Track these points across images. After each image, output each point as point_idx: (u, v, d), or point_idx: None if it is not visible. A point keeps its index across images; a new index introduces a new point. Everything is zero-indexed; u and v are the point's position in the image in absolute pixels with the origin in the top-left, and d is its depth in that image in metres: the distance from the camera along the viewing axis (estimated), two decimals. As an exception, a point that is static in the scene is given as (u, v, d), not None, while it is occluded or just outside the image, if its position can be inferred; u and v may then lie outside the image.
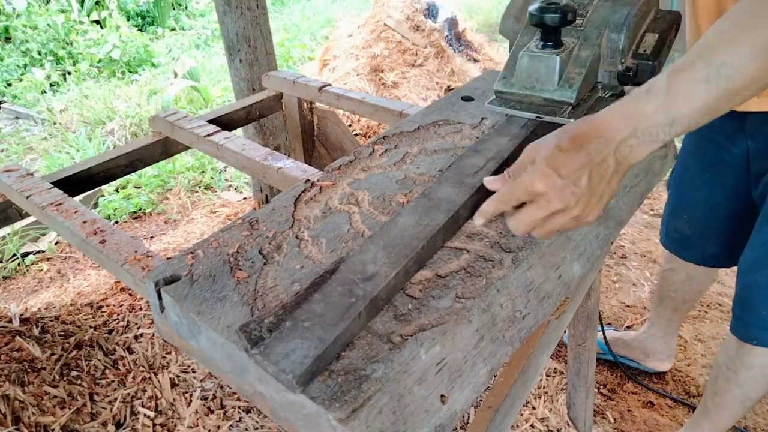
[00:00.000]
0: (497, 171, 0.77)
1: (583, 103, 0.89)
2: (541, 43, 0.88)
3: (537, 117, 0.88)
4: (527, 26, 0.94)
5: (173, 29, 5.90)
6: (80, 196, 1.50)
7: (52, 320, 1.80)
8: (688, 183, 1.40)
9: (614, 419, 1.62)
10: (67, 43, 4.92)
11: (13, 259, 2.25)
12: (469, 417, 1.51)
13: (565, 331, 1.42)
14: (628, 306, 2.04)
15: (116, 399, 1.54)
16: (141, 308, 1.89)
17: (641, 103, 0.64)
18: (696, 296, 1.59)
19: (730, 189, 1.31)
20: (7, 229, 2.25)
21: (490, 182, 0.73)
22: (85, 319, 1.83)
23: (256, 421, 1.49)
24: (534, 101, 0.90)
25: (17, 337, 1.67)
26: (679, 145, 1.51)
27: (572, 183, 0.64)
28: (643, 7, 0.93)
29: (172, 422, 1.49)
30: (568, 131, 0.66)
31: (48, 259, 2.30)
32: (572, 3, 0.87)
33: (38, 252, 2.33)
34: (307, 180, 0.85)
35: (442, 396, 0.56)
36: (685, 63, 0.63)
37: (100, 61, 4.76)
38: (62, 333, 1.74)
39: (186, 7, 6.44)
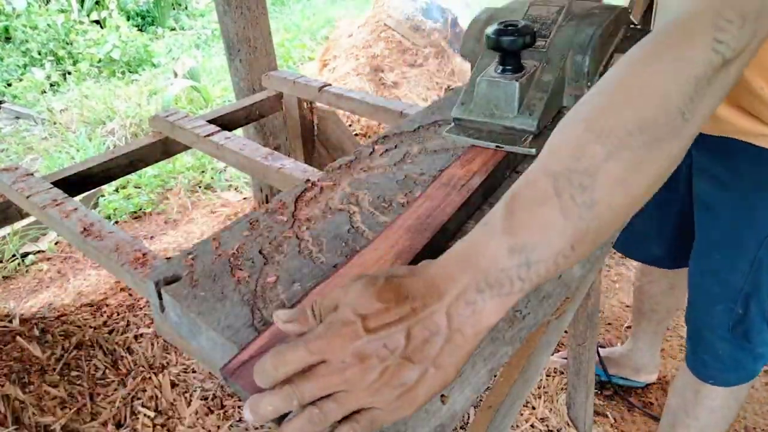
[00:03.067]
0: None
1: (547, 130, 0.82)
2: (500, 66, 0.81)
3: (497, 147, 0.80)
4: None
5: (173, 29, 5.90)
6: (80, 196, 1.50)
7: (52, 320, 1.80)
8: None
9: (614, 419, 1.62)
10: (67, 43, 4.91)
11: (13, 259, 2.25)
12: (469, 417, 1.51)
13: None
14: (628, 306, 2.04)
15: (116, 399, 1.54)
16: (141, 308, 1.90)
17: (480, 241, 0.46)
18: (680, 304, 1.51)
19: (675, 195, 1.22)
20: (7, 229, 2.25)
21: (283, 319, 0.48)
22: (85, 319, 1.83)
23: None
24: (494, 129, 0.83)
25: (17, 337, 1.67)
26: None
27: (380, 341, 0.43)
28: (610, 26, 0.88)
29: (172, 422, 1.50)
30: (393, 277, 0.46)
31: (48, 259, 2.30)
32: (532, 24, 0.81)
33: (38, 252, 2.33)
34: (308, 180, 0.85)
35: (442, 396, 0.56)
36: (527, 182, 0.47)
37: (100, 61, 4.76)
38: (62, 333, 1.74)
39: (186, 7, 6.44)
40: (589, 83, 0.84)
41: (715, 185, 1.05)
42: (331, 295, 0.47)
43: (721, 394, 1.20)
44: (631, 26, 0.97)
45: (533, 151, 0.77)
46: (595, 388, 1.72)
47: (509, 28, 0.76)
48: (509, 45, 0.76)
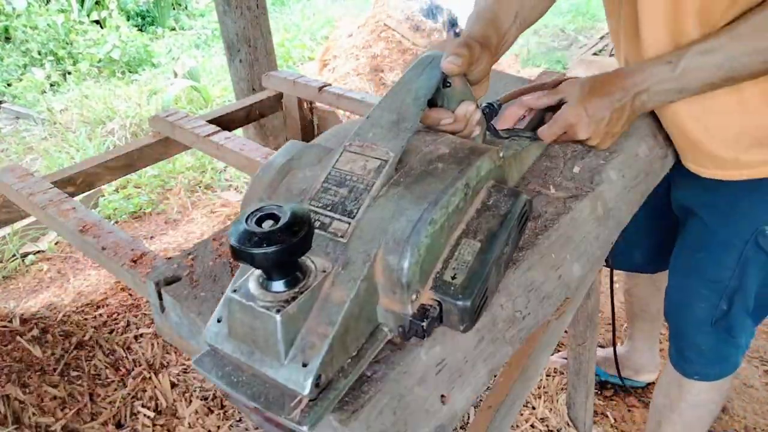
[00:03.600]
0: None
1: (341, 378, 0.50)
2: (263, 276, 0.49)
3: (255, 408, 0.49)
4: None
5: (173, 29, 5.90)
6: (80, 196, 1.51)
7: (52, 320, 1.80)
8: None
9: (614, 419, 1.62)
10: (67, 43, 4.91)
11: (13, 259, 2.25)
12: (469, 417, 1.51)
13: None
14: (628, 306, 2.04)
15: (116, 399, 1.54)
16: (141, 308, 1.90)
17: (662, 69, 0.81)
18: None
19: (653, 204, 1.19)
20: (7, 229, 2.25)
21: (533, 101, 0.90)
22: (85, 319, 1.83)
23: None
24: (258, 375, 0.49)
25: (17, 337, 1.67)
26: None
27: (596, 121, 0.83)
28: (455, 197, 0.56)
29: (172, 422, 1.50)
30: (597, 79, 0.85)
31: (48, 259, 2.30)
32: (307, 208, 0.53)
33: (38, 252, 2.33)
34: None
35: (442, 396, 0.56)
36: (707, 49, 0.79)
37: (100, 61, 4.76)
38: (62, 333, 1.74)
39: (186, 7, 6.44)
40: (414, 296, 0.52)
41: (697, 188, 1.06)
42: (559, 87, 0.88)
43: (705, 388, 1.21)
44: (501, 184, 0.63)
45: (304, 430, 0.46)
46: (595, 388, 1.72)
47: (262, 226, 0.45)
48: (265, 262, 0.45)
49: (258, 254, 0.43)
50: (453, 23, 4.11)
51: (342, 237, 0.53)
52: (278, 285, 0.48)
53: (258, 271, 0.49)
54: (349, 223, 0.54)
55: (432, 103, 0.71)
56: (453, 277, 0.54)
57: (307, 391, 0.46)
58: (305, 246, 0.46)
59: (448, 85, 0.71)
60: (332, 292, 0.50)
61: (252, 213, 0.46)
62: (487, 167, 0.61)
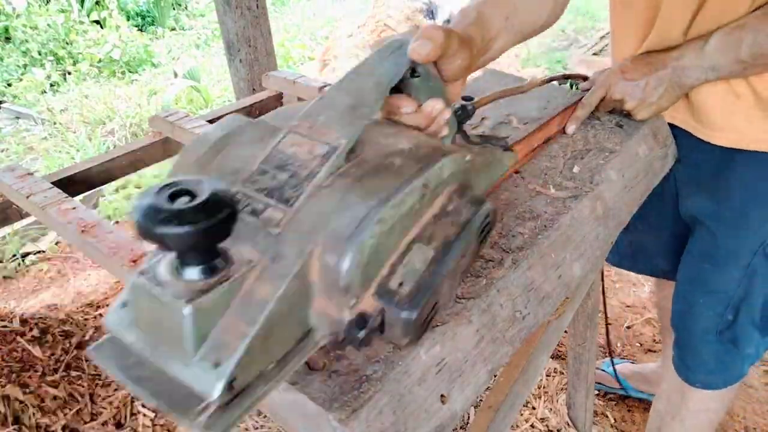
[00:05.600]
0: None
1: (261, 383, 0.43)
2: (178, 261, 0.41)
3: (158, 407, 0.42)
4: None
5: (173, 29, 5.90)
6: (80, 196, 1.50)
7: (52, 320, 1.80)
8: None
9: (614, 419, 1.62)
10: (67, 43, 4.92)
11: (13, 259, 2.25)
12: (469, 417, 1.51)
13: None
14: (628, 306, 2.04)
15: (116, 399, 1.54)
16: (141, 308, 1.89)
17: (695, 45, 0.87)
18: None
19: (665, 211, 1.20)
20: (7, 229, 2.25)
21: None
22: (86, 319, 1.83)
23: (256, 421, 1.49)
24: (160, 372, 0.43)
25: (17, 337, 1.67)
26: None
27: (633, 84, 0.89)
28: (411, 198, 0.48)
29: (172, 422, 1.50)
30: (636, 55, 0.93)
31: (48, 259, 2.30)
32: (235, 189, 0.48)
33: (38, 252, 2.33)
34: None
35: (442, 396, 0.56)
36: (735, 26, 0.84)
37: (100, 61, 4.76)
38: (62, 333, 1.74)
39: (186, 7, 6.44)
40: (353, 303, 0.45)
41: (704, 199, 1.06)
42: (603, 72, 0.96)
43: (707, 397, 1.20)
44: (464, 188, 0.55)
45: None
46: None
47: (174, 203, 0.38)
48: (171, 242, 0.38)
49: (164, 234, 0.36)
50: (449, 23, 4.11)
51: (275, 227, 0.46)
52: (192, 272, 0.41)
53: (172, 254, 0.41)
54: (285, 212, 0.46)
55: (396, 90, 0.62)
56: (399, 285, 0.48)
57: (216, 395, 0.40)
58: (224, 231, 0.39)
59: (417, 75, 0.63)
60: (257, 287, 0.43)
61: (164, 187, 0.39)
62: (450, 169, 0.53)
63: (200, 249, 0.40)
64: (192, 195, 0.38)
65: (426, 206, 0.51)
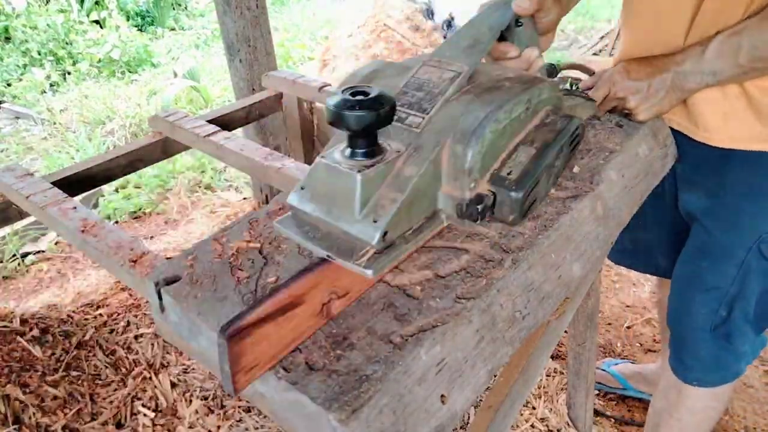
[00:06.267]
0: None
1: (402, 243, 0.60)
2: (349, 148, 0.58)
3: (328, 257, 0.57)
4: None
5: (173, 29, 5.90)
6: (80, 196, 1.50)
7: (52, 320, 1.80)
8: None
9: (614, 419, 1.62)
10: (66, 43, 4.91)
11: (13, 259, 2.25)
12: (469, 417, 1.51)
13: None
14: (628, 306, 2.04)
15: (116, 399, 1.54)
16: (141, 308, 1.89)
17: (696, 50, 0.88)
18: None
19: (664, 208, 1.22)
20: (7, 229, 2.25)
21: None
22: (85, 319, 1.83)
23: (257, 421, 1.49)
24: (331, 231, 0.59)
25: (18, 337, 1.67)
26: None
27: (637, 84, 0.90)
28: (518, 108, 0.66)
29: (173, 422, 1.50)
30: (640, 57, 0.94)
31: (48, 259, 2.30)
32: (412, 92, 0.65)
33: (38, 252, 2.33)
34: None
35: (442, 396, 0.57)
36: (734, 32, 0.85)
37: (100, 61, 4.76)
38: (62, 333, 1.74)
39: (186, 7, 6.43)
40: (472, 185, 0.62)
41: (701, 195, 1.07)
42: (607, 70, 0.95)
43: (704, 395, 1.20)
44: (557, 111, 0.73)
45: (369, 273, 0.55)
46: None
47: (356, 97, 0.54)
48: (354, 123, 0.53)
49: (351, 116, 0.53)
50: (449, 24, 4.11)
51: (416, 128, 0.63)
52: (360, 154, 0.58)
53: (343, 144, 0.59)
54: (423, 118, 0.63)
55: (502, 39, 0.82)
56: (509, 173, 0.64)
57: (375, 242, 0.55)
58: (388, 117, 0.54)
59: (520, 24, 0.81)
60: (404, 168, 0.59)
61: (346, 89, 0.56)
62: (547, 93, 0.71)
63: (371, 131, 0.56)
64: (365, 94, 0.55)
65: (528, 118, 0.68)
